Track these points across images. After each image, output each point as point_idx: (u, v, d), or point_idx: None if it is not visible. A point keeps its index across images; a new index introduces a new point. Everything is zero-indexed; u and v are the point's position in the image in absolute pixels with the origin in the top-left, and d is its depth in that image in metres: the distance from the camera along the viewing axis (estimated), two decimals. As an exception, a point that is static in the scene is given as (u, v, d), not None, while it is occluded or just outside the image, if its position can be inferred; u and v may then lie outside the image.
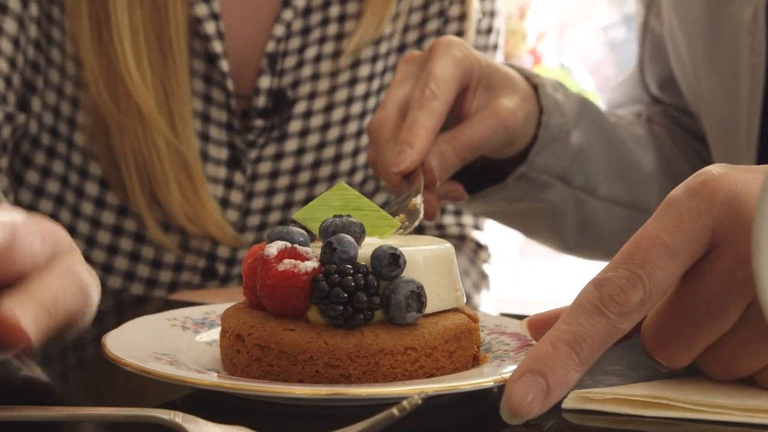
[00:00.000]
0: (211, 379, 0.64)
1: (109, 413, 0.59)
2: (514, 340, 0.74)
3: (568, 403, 0.64)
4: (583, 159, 1.09)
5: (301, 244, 0.68)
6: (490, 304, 1.31)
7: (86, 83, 1.17)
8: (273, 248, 0.67)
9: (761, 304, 0.56)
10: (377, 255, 0.65)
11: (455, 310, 0.71)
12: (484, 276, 1.32)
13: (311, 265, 0.66)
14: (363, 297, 0.64)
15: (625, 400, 0.64)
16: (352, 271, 0.65)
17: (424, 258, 0.69)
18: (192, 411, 0.59)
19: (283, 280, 0.65)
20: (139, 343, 0.70)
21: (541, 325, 0.70)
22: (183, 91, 1.17)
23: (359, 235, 0.68)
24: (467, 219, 1.33)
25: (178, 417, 0.58)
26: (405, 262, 0.66)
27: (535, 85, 1.04)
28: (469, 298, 1.28)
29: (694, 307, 0.63)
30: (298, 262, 0.66)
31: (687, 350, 0.64)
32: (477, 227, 1.34)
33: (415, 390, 0.61)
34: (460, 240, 1.32)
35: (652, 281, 0.60)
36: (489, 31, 1.30)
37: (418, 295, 0.65)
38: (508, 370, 0.66)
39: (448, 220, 1.32)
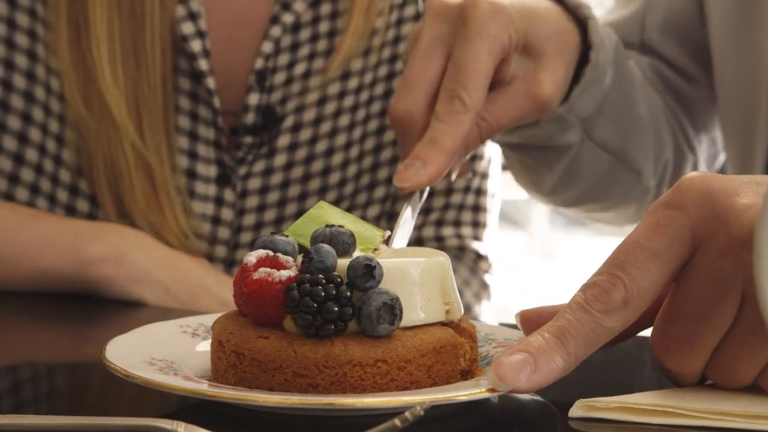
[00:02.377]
0: (181, 384, 0.65)
1: (111, 423, 0.60)
2: None
3: (574, 412, 0.66)
4: (606, 102, 1.04)
5: (286, 253, 0.69)
6: (490, 314, 1.32)
7: (61, 87, 1.19)
8: (252, 256, 0.69)
9: (762, 313, 0.59)
10: (353, 265, 0.67)
11: (443, 323, 0.71)
12: (485, 286, 1.33)
13: (287, 274, 0.67)
14: (333, 307, 0.65)
15: (630, 408, 0.66)
16: (324, 281, 0.66)
17: (406, 270, 0.70)
18: (196, 421, 0.60)
19: (258, 288, 0.67)
20: (140, 349, 0.72)
21: (532, 318, 0.73)
22: (155, 98, 1.19)
23: (348, 245, 0.70)
24: (466, 230, 1.34)
25: (180, 427, 0.59)
26: (381, 274, 0.67)
27: (583, 17, 0.97)
28: (469, 308, 1.29)
29: (689, 308, 0.66)
30: (274, 270, 0.67)
31: (692, 354, 0.67)
32: (476, 238, 1.35)
33: (416, 400, 0.62)
34: (460, 251, 1.33)
35: (632, 280, 0.65)
36: None
37: (391, 307, 0.66)
38: None
39: (447, 231, 1.33)
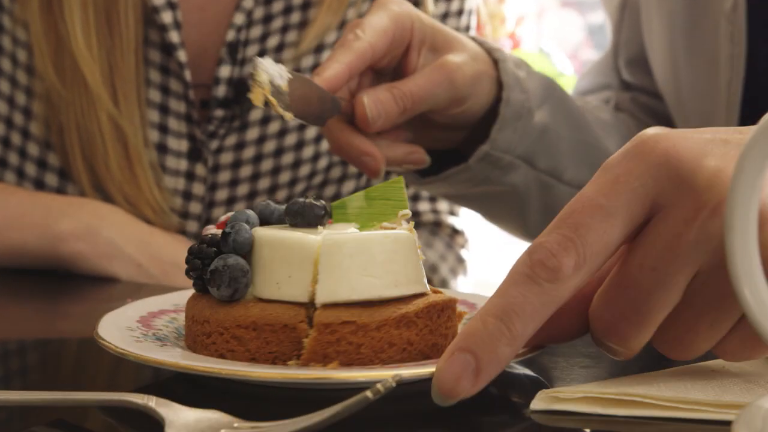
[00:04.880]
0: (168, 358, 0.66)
1: (82, 398, 0.62)
2: None
3: (536, 404, 0.63)
4: (549, 141, 1.10)
5: (247, 222, 0.73)
6: (467, 289, 1.34)
7: (29, 58, 1.21)
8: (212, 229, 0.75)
9: (734, 288, 0.57)
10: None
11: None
12: (461, 261, 1.35)
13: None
14: (197, 265, 0.72)
15: (596, 398, 0.63)
16: (205, 246, 0.72)
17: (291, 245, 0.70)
18: (168, 395, 0.61)
19: None
20: (130, 324, 0.74)
21: None
22: (128, 68, 1.21)
23: (320, 217, 0.72)
24: (442, 205, 1.36)
25: (151, 401, 0.60)
26: (235, 240, 0.70)
27: (495, 59, 1.05)
28: (445, 283, 1.31)
29: (642, 278, 0.61)
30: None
31: (640, 328, 0.63)
32: (452, 213, 1.37)
33: (388, 374, 0.63)
34: (436, 226, 1.35)
35: (586, 244, 0.60)
36: (460, 12, 1.33)
37: (219, 273, 0.69)
38: None
39: (423, 206, 1.35)
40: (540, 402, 0.63)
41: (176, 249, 1.18)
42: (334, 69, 0.93)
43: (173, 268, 1.16)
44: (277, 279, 0.70)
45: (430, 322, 0.70)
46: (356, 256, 0.69)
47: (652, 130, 0.63)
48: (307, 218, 0.72)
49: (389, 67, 1.00)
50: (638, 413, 0.62)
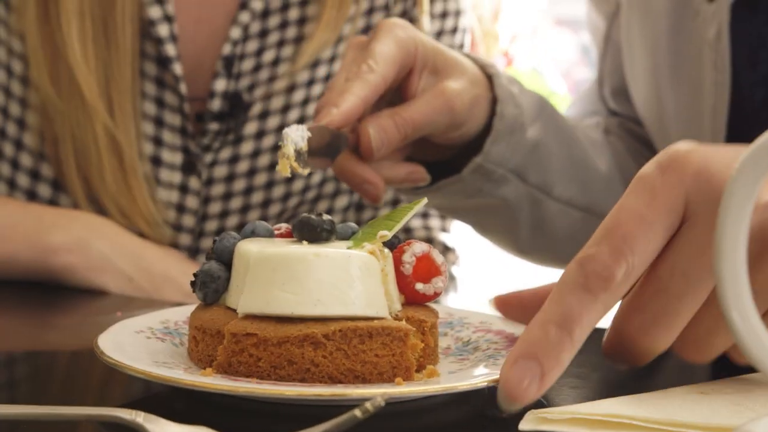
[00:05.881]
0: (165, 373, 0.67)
1: (70, 412, 0.62)
2: (501, 338, 0.77)
3: (524, 425, 0.63)
4: (540, 156, 1.12)
5: (253, 233, 0.76)
6: (457, 306, 1.34)
7: (24, 69, 1.21)
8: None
9: (723, 311, 0.57)
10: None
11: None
12: (452, 278, 1.35)
13: None
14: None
15: (584, 420, 0.63)
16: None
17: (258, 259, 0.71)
18: (155, 410, 0.61)
19: None
20: (131, 342, 0.74)
21: (513, 303, 0.74)
22: (125, 80, 1.21)
23: (327, 234, 0.73)
24: (434, 222, 1.37)
25: (139, 417, 0.60)
26: (217, 247, 0.74)
27: (489, 75, 1.07)
28: (437, 299, 1.31)
29: (673, 283, 0.65)
30: None
31: (669, 330, 0.66)
32: (444, 230, 1.37)
33: (378, 392, 0.64)
34: (428, 243, 1.35)
35: (635, 254, 0.63)
36: (455, 30, 1.34)
37: (196, 276, 0.73)
38: (480, 373, 0.69)
39: (415, 223, 1.36)
40: (528, 423, 0.63)
41: (168, 263, 1.19)
42: (352, 103, 0.94)
43: (164, 281, 1.17)
44: (235, 287, 0.73)
45: (345, 347, 0.68)
46: (279, 271, 0.70)
47: (683, 145, 0.66)
48: (307, 234, 0.73)
49: (391, 89, 1.01)
50: None
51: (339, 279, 0.70)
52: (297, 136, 0.86)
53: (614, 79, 1.35)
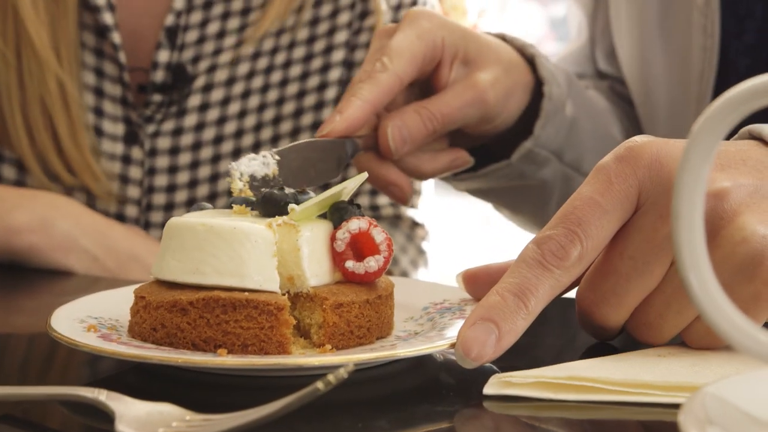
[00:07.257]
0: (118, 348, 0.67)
1: (31, 392, 0.62)
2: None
3: (489, 389, 0.65)
4: (575, 133, 1.11)
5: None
6: (428, 279, 1.34)
7: None
8: None
9: (681, 275, 0.59)
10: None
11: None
12: (421, 253, 1.35)
13: None
14: None
15: (547, 383, 0.65)
16: None
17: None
18: (122, 387, 0.61)
19: None
20: (90, 314, 0.74)
21: (474, 277, 0.77)
22: (71, 31, 1.20)
23: (279, 205, 0.74)
24: None
25: (102, 395, 0.60)
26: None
27: (530, 55, 1.05)
28: (406, 275, 1.32)
29: (622, 265, 0.70)
30: None
31: (618, 309, 0.71)
32: (412, 205, 1.36)
33: (342, 359, 0.65)
34: (396, 219, 1.34)
35: (588, 238, 0.69)
36: (414, 3, 1.31)
37: None
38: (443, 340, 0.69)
39: (382, 200, 1.34)
40: (493, 387, 0.66)
41: (134, 241, 1.18)
42: (358, 108, 0.93)
43: (130, 260, 1.16)
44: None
45: (208, 315, 0.70)
46: (173, 239, 0.73)
47: (639, 138, 0.72)
48: (271, 209, 0.74)
49: (418, 81, 0.99)
50: (589, 398, 0.65)
51: (220, 250, 0.72)
52: (254, 165, 0.82)
53: (607, 38, 1.33)
